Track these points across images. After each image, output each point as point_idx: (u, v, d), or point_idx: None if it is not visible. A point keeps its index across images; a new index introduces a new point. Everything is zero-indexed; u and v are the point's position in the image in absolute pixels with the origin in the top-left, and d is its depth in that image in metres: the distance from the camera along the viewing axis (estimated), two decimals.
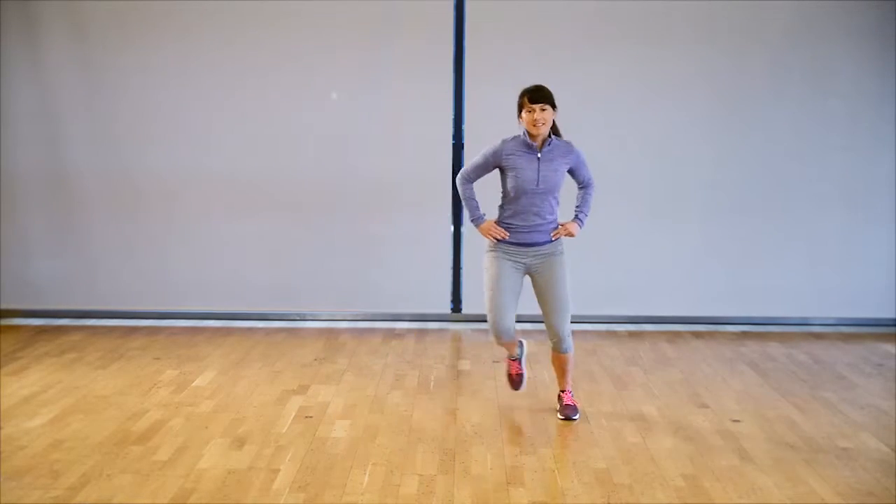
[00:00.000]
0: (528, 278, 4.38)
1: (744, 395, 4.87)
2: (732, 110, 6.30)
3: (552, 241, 4.31)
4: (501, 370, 5.27)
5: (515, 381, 4.66)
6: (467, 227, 6.34)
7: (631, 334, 6.22)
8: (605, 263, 6.41)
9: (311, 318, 6.52)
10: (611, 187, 6.34)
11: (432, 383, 5.04)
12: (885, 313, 6.42)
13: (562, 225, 4.32)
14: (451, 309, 6.51)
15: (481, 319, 6.36)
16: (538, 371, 5.26)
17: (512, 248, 4.29)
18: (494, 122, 6.22)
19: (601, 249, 6.39)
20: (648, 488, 3.63)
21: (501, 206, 4.33)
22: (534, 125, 4.17)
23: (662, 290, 6.45)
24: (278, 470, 3.78)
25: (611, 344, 5.95)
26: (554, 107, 4.22)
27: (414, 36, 6.22)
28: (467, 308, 6.48)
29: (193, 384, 4.97)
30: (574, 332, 6.11)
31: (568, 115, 6.25)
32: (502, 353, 5.63)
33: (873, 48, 6.23)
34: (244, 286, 6.46)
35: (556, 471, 3.80)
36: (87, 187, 6.37)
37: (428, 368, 5.32)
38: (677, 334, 6.22)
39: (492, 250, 4.33)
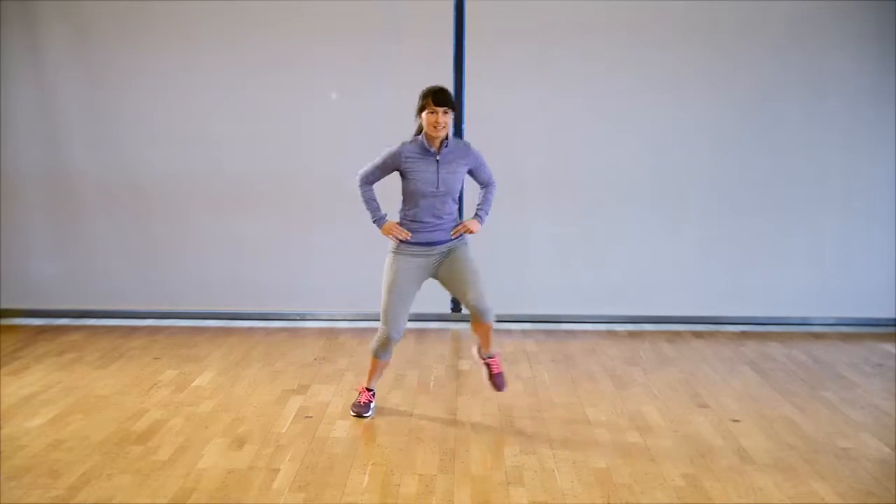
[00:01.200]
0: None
1: (744, 394, 4.87)
2: (732, 110, 6.30)
3: (453, 238, 4.33)
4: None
5: (362, 408, 4.48)
6: None
7: (631, 334, 6.22)
8: (605, 263, 6.41)
9: (311, 317, 6.52)
10: (611, 186, 6.36)
11: (432, 383, 5.04)
12: (885, 313, 6.42)
13: (462, 223, 4.35)
14: (452, 309, 6.50)
15: None
16: (538, 371, 5.27)
17: (414, 247, 4.31)
18: (494, 122, 6.30)
19: (601, 249, 6.40)
20: (648, 488, 3.63)
21: (402, 209, 4.35)
22: (435, 128, 4.16)
23: (662, 290, 6.46)
24: (278, 470, 3.78)
25: (611, 344, 5.95)
26: (455, 110, 4.23)
27: (414, 36, 6.22)
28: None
29: (193, 384, 4.98)
30: (574, 332, 6.21)
31: (568, 115, 6.32)
32: (502, 353, 5.65)
33: (873, 48, 6.23)
34: (244, 286, 6.46)
35: (555, 470, 3.80)
36: (88, 187, 6.37)
37: (428, 368, 5.32)
38: (677, 334, 6.22)
39: (394, 251, 4.34)
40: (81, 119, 6.31)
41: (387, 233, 4.34)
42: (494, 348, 4.54)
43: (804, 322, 6.48)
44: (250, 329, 6.27)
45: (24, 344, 5.81)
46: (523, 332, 6.24)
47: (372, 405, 4.52)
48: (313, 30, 6.24)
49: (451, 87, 6.23)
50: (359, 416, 4.45)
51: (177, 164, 6.35)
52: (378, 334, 4.37)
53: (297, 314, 6.52)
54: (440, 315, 6.51)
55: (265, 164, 6.34)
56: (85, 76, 6.27)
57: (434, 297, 6.47)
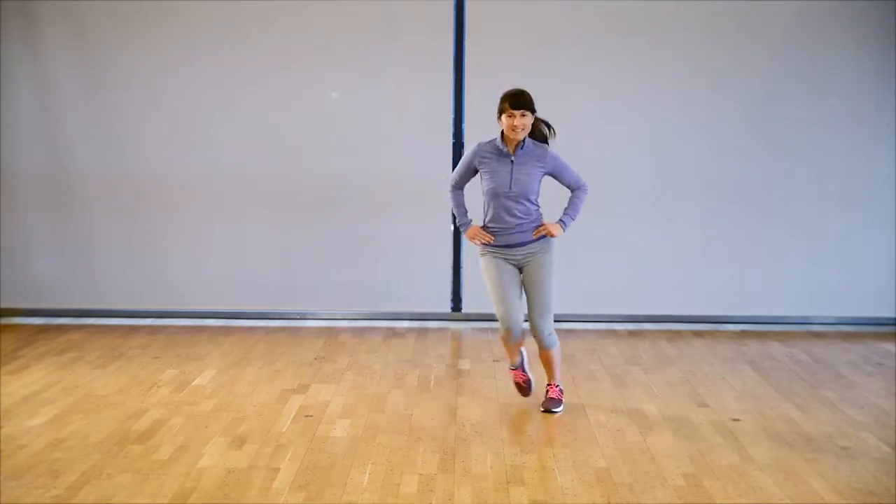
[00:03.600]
0: None
1: (744, 394, 4.86)
2: (733, 109, 6.30)
3: (536, 239, 4.39)
4: (502, 369, 5.28)
5: (524, 388, 4.66)
6: None
7: (631, 333, 6.22)
8: (605, 262, 6.41)
9: (311, 317, 6.52)
10: (611, 186, 6.35)
11: (432, 382, 5.03)
12: (886, 312, 6.42)
13: (544, 224, 4.40)
14: (452, 308, 6.50)
15: (481, 318, 6.39)
16: (538, 371, 5.26)
17: (500, 249, 4.40)
18: (494, 121, 6.28)
19: (601, 248, 6.40)
20: (648, 487, 3.63)
21: (484, 211, 4.43)
22: (513, 130, 4.26)
23: (663, 289, 6.45)
24: (278, 469, 3.78)
25: (611, 343, 5.95)
26: (533, 112, 4.29)
27: (414, 36, 6.22)
28: (467, 307, 6.48)
29: (193, 383, 4.97)
30: (574, 331, 6.20)
31: (568, 115, 6.27)
32: (502, 352, 5.64)
33: (873, 48, 6.23)
34: (244, 286, 6.46)
35: (555, 470, 3.80)
36: (88, 187, 6.37)
37: (428, 367, 5.32)
38: (677, 333, 6.22)
39: (484, 254, 4.45)
40: (81, 119, 6.30)
41: (471, 237, 4.46)
42: (558, 377, 4.60)
43: (804, 321, 6.48)
44: (250, 328, 6.26)
45: (24, 343, 5.81)
46: (523, 331, 6.22)
47: (531, 381, 4.63)
48: (313, 29, 6.24)
49: (450, 87, 6.27)
50: (524, 394, 4.63)
51: (177, 163, 6.35)
52: (500, 329, 4.47)
53: (297, 313, 6.52)
54: (440, 315, 6.50)
55: (265, 163, 6.34)
56: (85, 76, 6.27)
57: (434, 296, 6.52)
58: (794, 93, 6.28)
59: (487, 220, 4.40)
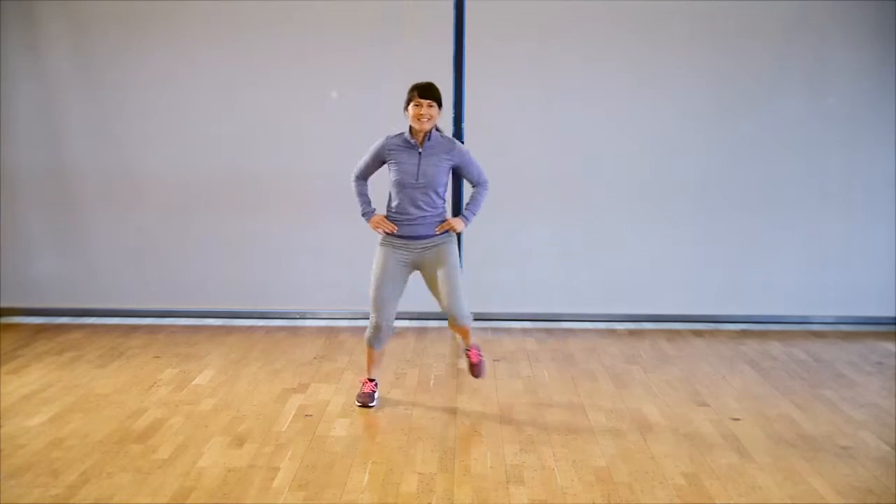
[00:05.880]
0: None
1: (744, 393, 4.87)
2: (732, 108, 6.30)
3: (438, 234, 4.44)
4: (502, 369, 5.28)
5: (367, 396, 4.58)
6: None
7: (631, 332, 6.22)
8: (605, 261, 6.42)
9: (311, 316, 6.52)
10: (611, 186, 6.36)
11: (432, 382, 5.04)
12: (885, 311, 6.42)
13: (447, 220, 4.46)
14: None
15: (481, 318, 6.38)
16: (538, 370, 5.26)
17: (399, 241, 4.44)
18: (494, 121, 6.30)
19: (601, 247, 6.40)
20: (648, 487, 3.63)
21: (388, 202, 4.50)
22: (419, 120, 4.31)
23: (662, 289, 6.46)
24: (278, 468, 3.78)
25: (611, 342, 5.95)
26: (440, 105, 4.35)
27: (414, 36, 6.22)
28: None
29: (193, 382, 4.98)
30: (574, 331, 6.21)
31: (568, 114, 6.31)
32: (502, 351, 5.66)
33: (873, 47, 6.23)
34: (244, 285, 6.46)
35: (555, 469, 3.81)
36: (88, 186, 6.37)
37: (428, 367, 5.32)
38: (677, 332, 6.22)
39: (382, 244, 4.49)
40: (81, 118, 6.31)
41: (374, 226, 4.50)
42: (473, 340, 4.72)
43: (804, 320, 6.48)
44: (250, 328, 6.27)
45: (24, 342, 5.81)
46: (523, 330, 6.24)
47: (376, 395, 4.62)
48: (313, 29, 6.24)
49: (450, 87, 6.27)
50: (364, 405, 4.55)
51: (177, 163, 6.35)
52: (369, 323, 4.52)
53: (297, 313, 6.52)
54: (440, 314, 6.47)
55: (265, 163, 6.34)
56: (85, 76, 6.27)
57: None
58: (793, 92, 6.28)
59: (392, 210, 4.44)
